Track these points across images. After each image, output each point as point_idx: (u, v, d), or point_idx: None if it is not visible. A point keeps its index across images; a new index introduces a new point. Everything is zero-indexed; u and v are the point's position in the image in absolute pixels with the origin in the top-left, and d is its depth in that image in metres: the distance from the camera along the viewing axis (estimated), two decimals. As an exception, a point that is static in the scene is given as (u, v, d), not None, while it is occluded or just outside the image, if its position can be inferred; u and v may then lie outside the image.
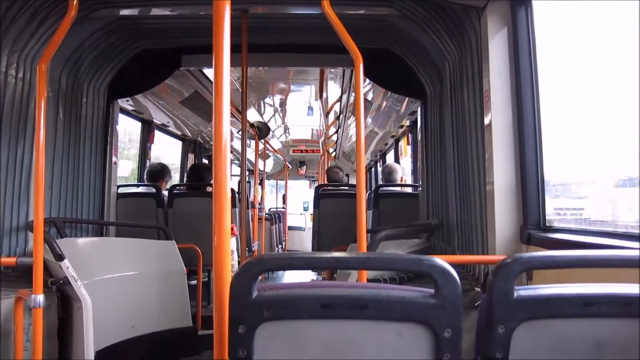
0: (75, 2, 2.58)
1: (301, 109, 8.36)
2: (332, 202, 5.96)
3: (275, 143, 11.57)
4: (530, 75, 2.76)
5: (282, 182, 14.92)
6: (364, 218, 2.51)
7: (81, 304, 2.78)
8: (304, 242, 13.44)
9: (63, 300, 2.88)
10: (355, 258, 1.46)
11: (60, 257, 2.80)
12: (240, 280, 1.25)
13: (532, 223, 2.70)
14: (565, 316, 1.28)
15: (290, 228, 13.29)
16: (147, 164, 6.40)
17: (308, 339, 1.28)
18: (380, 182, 6.94)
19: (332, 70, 5.76)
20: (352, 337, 1.28)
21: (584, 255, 1.39)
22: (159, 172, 5.68)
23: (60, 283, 2.81)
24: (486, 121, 2.90)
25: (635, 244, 1.99)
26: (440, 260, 1.26)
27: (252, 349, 1.25)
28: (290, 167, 14.12)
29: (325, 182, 8.02)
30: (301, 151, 12.86)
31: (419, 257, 1.30)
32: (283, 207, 13.48)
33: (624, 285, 1.30)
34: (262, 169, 9.87)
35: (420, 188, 4.81)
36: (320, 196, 6.02)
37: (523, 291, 1.29)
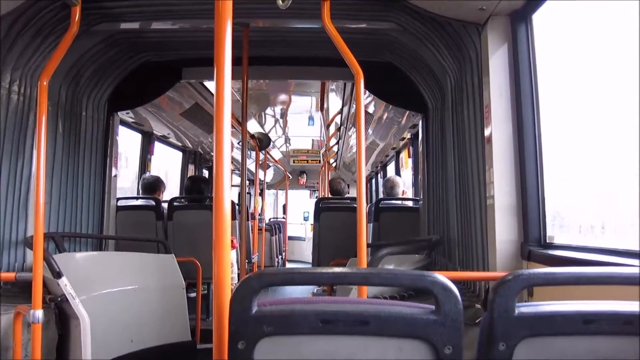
0: (77, 18, 2.59)
1: (302, 120, 8.37)
2: (332, 216, 5.95)
3: (276, 153, 11.58)
4: (531, 90, 2.76)
5: (282, 192, 14.92)
6: (364, 232, 2.51)
7: (79, 321, 2.77)
8: (304, 252, 13.42)
9: (61, 317, 2.87)
10: (356, 273, 1.46)
11: (58, 275, 2.78)
12: (240, 295, 1.25)
13: (533, 239, 2.69)
14: (566, 334, 1.27)
15: (291, 238, 13.28)
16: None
17: (308, 354, 1.27)
18: (380, 194, 6.93)
19: (334, 82, 5.77)
20: (352, 352, 1.27)
21: (584, 272, 1.38)
22: (155, 183, 5.68)
23: (59, 301, 2.80)
24: (486, 136, 2.89)
25: (635, 262, 1.98)
26: (441, 276, 1.26)
27: None
28: (291, 176, 14.12)
29: (326, 194, 8.01)
30: (301, 161, 12.88)
31: (420, 272, 1.30)
32: (283, 217, 13.47)
33: (624, 302, 1.30)
34: (262, 179, 9.87)
35: (421, 202, 4.79)
36: (320, 209, 6.01)
37: (524, 308, 1.28)
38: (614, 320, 1.26)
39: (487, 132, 2.89)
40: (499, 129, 2.82)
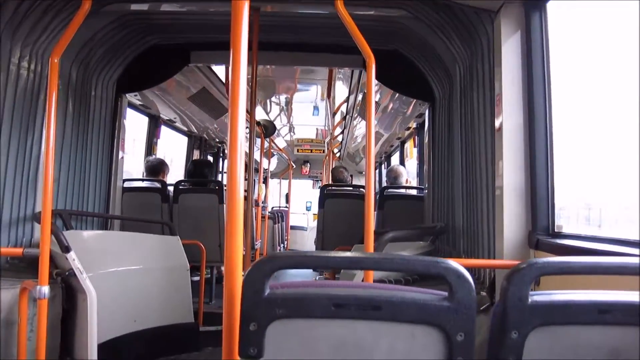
0: None
1: (307, 109, 8.36)
2: (337, 203, 5.96)
3: (280, 142, 11.57)
4: (543, 79, 2.74)
5: (285, 181, 14.93)
6: (372, 219, 2.50)
7: (86, 296, 2.78)
8: (305, 242, 13.43)
9: (68, 292, 2.88)
10: (369, 258, 1.45)
11: (66, 249, 2.80)
12: (253, 277, 1.24)
13: (541, 228, 2.68)
14: (580, 323, 1.27)
15: (292, 227, 13.30)
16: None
17: (320, 338, 1.27)
18: (384, 184, 6.91)
19: (341, 70, 5.76)
20: (364, 337, 1.27)
21: (600, 262, 1.37)
22: (159, 165, 5.71)
23: (66, 275, 2.81)
24: (497, 125, 2.88)
25: None
26: (455, 263, 1.26)
27: (262, 347, 1.25)
28: (294, 166, 14.12)
29: (330, 182, 8.00)
30: (305, 151, 12.86)
31: (434, 259, 1.29)
32: (286, 206, 13.48)
33: (638, 293, 1.29)
34: (266, 167, 9.86)
35: (426, 191, 4.79)
36: (325, 196, 6.02)
37: (537, 297, 1.27)
38: (629, 311, 1.26)
39: (497, 122, 2.88)
40: (509, 118, 2.80)
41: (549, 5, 2.68)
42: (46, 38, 3.41)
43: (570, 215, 2.96)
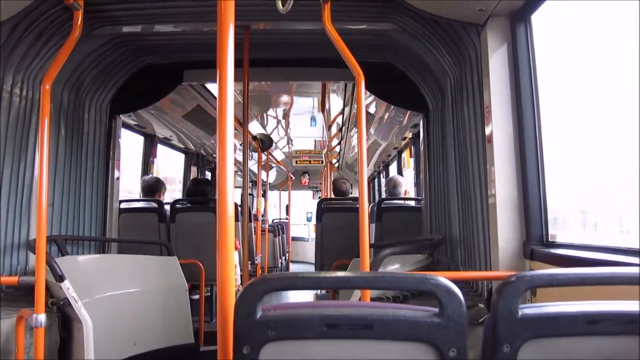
0: (79, 22, 2.60)
1: (304, 121, 8.36)
2: (335, 216, 5.95)
3: (278, 154, 11.58)
4: (531, 90, 2.76)
5: (285, 192, 14.93)
6: (367, 234, 2.50)
7: (82, 324, 2.78)
8: (307, 253, 13.42)
9: (64, 320, 2.87)
10: (359, 278, 1.46)
11: (60, 278, 2.79)
12: (245, 300, 1.25)
13: (535, 238, 2.69)
14: (570, 334, 1.28)
15: (294, 239, 13.28)
16: None
17: (313, 359, 1.27)
18: (383, 193, 6.91)
19: (335, 83, 5.77)
20: (357, 357, 1.28)
21: (587, 273, 1.38)
22: (155, 184, 5.70)
23: (61, 304, 2.80)
24: (487, 136, 2.89)
25: (637, 260, 1.98)
26: (444, 279, 1.26)
27: None
28: (294, 177, 14.12)
29: (329, 195, 8.00)
30: (304, 162, 12.86)
31: (424, 275, 1.30)
32: (286, 218, 13.47)
33: (627, 302, 1.30)
34: (265, 180, 9.85)
35: (423, 202, 4.79)
36: (323, 210, 6.01)
37: (527, 309, 1.28)
38: (619, 320, 1.27)
39: (487, 132, 2.89)
40: (499, 128, 2.81)
41: (533, 17, 2.70)
42: (38, 63, 3.42)
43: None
